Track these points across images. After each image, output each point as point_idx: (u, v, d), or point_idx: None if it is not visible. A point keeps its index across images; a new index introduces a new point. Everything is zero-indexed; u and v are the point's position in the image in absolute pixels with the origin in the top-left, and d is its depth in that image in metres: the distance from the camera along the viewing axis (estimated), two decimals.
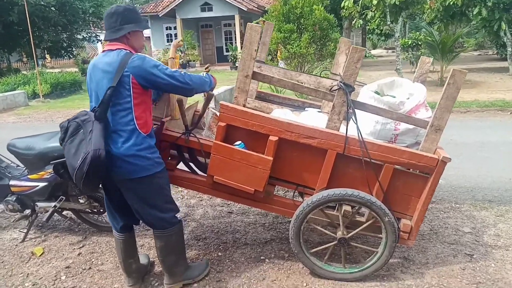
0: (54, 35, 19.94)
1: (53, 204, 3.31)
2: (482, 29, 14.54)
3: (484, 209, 3.89)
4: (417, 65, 3.28)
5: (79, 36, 22.63)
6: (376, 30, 21.40)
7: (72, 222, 3.65)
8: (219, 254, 3.17)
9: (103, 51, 2.40)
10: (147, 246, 3.31)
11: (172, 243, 2.63)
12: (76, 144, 2.31)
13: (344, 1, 13.72)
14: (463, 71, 2.38)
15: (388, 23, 12.80)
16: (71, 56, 23.29)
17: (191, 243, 3.36)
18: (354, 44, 3.33)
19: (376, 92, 2.90)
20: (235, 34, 23.39)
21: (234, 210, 3.98)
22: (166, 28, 24.79)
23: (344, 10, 14.10)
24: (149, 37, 24.04)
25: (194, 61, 21.67)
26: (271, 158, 2.58)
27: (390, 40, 27.31)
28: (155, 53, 23.57)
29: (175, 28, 23.65)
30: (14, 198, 3.37)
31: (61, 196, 3.33)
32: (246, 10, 21.22)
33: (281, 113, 3.10)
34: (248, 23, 2.75)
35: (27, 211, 3.46)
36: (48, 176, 3.25)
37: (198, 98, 2.99)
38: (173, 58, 2.94)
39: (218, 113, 3.34)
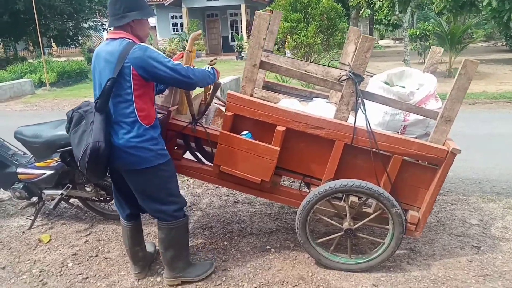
0: (60, 23, 19.96)
1: (60, 192, 3.33)
2: (491, 20, 14.27)
3: (492, 201, 3.86)
4: (425, 56, 3.24)
5: (85, 25, 22.66)
6: (384, 20, 21.09)
7: (79, 210, 3.66)
8: (225, 243, 3.18)
9: (107, 39, 2.37)
10: (153, 234, 3.32)
11: (172, 237, 2.57)
12: (79, 134, 2.32)
13: None
14: (475, 61, 2.34)
15: (397, 13, 12.63)
16: (77, 45, 23.31)
17: (197, 232, 3.37)
18: None
19: (386, 82, 2.86)
20: (241, 24, 23.20)
21: (240, 200, 3.98)
22: (172, 17, 24.66)
23: (352, 0, 13.93)
24: (155, 26, 23.95)
25: (200, 50, 21.57)
26: (278, 148, 2.57)
27: (398, 30, 26.92)
28: (161, 42, 23.50)
29: (181, 17, 23.54)
30: (21, 186, 3.39)
31: (68, 184, 3.35)
32: None
33: (288, 103, 3.08)
34: (256, 11, 2.71)
35: (34, 199, 3.49)
36: (55, 164, 3.26)
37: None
38: (190, 52, 2.74)
39: (222, 108, 3.32)
